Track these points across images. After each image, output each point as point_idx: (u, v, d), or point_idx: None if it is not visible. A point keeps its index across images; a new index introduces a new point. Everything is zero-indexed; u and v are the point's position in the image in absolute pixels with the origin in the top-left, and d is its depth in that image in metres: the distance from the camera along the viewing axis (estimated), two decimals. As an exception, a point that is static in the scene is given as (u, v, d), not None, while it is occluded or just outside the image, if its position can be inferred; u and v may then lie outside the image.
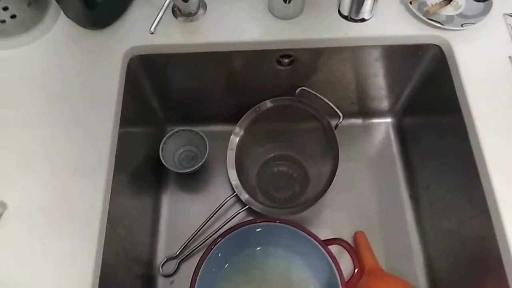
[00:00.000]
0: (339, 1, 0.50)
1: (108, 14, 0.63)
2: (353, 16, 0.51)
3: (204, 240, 0.72)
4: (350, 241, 0.74)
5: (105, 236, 0.53)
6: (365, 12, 0.51)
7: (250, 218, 0.75)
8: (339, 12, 0.52)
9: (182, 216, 0.78)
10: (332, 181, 0.69)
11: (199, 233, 0.73)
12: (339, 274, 0.59)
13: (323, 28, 0.62)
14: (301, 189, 0.78)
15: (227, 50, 0.64)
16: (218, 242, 0.63)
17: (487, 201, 0.53)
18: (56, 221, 0.52)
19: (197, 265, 0.62)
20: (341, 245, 0.64)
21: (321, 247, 0.61)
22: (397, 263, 0.73)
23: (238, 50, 0.64)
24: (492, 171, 0.53)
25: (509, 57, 0.59)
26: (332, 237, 0.71)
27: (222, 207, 0.74)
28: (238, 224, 0.65)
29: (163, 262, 0.73)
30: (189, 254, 0.73)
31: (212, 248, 0.62)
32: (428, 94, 0.71)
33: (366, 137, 0.84)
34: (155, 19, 0.53)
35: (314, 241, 0.62)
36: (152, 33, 0.53)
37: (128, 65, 0.63)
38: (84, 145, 0.56)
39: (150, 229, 0.75)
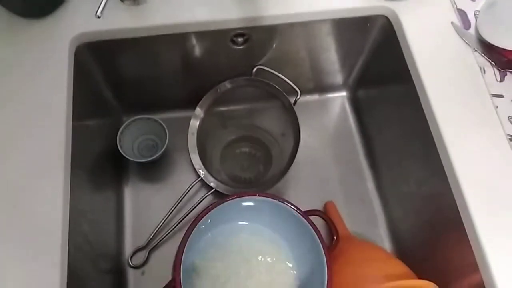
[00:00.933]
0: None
1: (48, 0, 0.60)
2: None
3: (172, 228, 0.72)
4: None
5: (69, 235, 0.51)
6: None
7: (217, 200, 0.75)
8: None
9: (147, 207, 0.76)
10: (294, 158, 0.70)
11: (166, 221, 0.72)
12: (321, 243, 0.59)
13: (275, 4, 0.62)
14: (265, 167, 0.79)
15: (178, 32, 0.63)
16: (207, 213, 0.61)
17: (442, 161, 0.56)
18: (14, 227, 0.49)
19: (184, 237, 0.59)
20: (320, 216, 0.64)
21: (302, 218, 0.61)
22: (363, 230, 0.76)
23: (189, 31, 0.63)
24: (445, 133, 0.55)
25: (452, 22, 0.62)
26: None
27: (188, 194, 0.73)
28: (218, 201, 0.64)
29: (132, 254, 0.72)
30: (158, 243, 0.72)
31: (200, 220, 0.60)
32: (379, 65, 0.73)
33: (324, 112, 0.86)
34: (101, 2, 0.51)
35: (296, 212, 0.62)
36: (98, 17, 0.50)
37: (76, 54, 0.60)
38: (36, 144, 0.53)
39: (115, 222, 0.73)
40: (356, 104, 0.85)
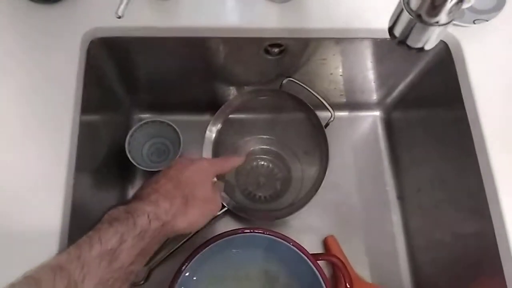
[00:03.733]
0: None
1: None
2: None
3: (178, 246, 0.65)
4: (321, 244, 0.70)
5: (68, 240, 0.46)
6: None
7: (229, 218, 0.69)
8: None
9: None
10: (319, 186, 0.63)
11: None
12: None
13: (320, 15, 0.54)
14: (283, 187, 0.72)
15: (205, 36, 0.55)
16: (188, 263, 0.56)
17: (492, 217, 0.49)
18: (10, 230, 0.44)
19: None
20: (333, 262, 0.58)
21: (310, 262, 0.55)
22: (382, 267, 0.69)
23: (219, 36, 0.55)
24: (499, 182, 0.48)
25: (521, 59, 0.54)
26: (314, 238, 0.69)
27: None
28: (216, 236, 0.58)
29: (131, 269, 0.66)
30: (161, 261, 0.66)
31: (182, 271, 0.56)
32: (425, 90, 0.65)
33: (353, 131, 0.78)
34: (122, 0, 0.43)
35: (303, 255, 0.56)
36: (119, 17, 0.43)
37: (89, 49, 0.53)
38: (39, 140, 0.47)
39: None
40: (389, 126, 0.77)
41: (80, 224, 0.48)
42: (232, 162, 0.52)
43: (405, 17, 0.32)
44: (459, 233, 0.57)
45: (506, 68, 0.54)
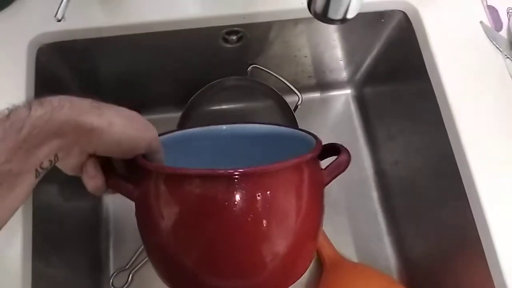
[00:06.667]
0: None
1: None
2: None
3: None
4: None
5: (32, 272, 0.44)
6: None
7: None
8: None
9: (130, 219, 0.68)
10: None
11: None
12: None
13: (274, -3, 0.53)
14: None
15: (161, 31, 0.53)
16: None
17: (463, 182, 0.49)
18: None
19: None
20: None
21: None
22: (365, 244, 0.69)
23: (174, 29, 0.53)
24: (468, 152, 0.48)
25: (480, 22, 0.53)
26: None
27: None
28: None
29: (113, 275, 0.65)
30: (143, 263, 0.65)
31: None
32: (391, 62, 0.64)
33: (326, 112, 0.77)
34: (61, 2, 0.41)
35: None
36: (59, 21, 0.41)
37: (37, 57, 0.51)
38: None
39: (94, 239, 0.65)
40: (362, 103, 0.76)
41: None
42: None
43: None
44: (438, 200, 0.56)
45: (463, 29, 0.54)
